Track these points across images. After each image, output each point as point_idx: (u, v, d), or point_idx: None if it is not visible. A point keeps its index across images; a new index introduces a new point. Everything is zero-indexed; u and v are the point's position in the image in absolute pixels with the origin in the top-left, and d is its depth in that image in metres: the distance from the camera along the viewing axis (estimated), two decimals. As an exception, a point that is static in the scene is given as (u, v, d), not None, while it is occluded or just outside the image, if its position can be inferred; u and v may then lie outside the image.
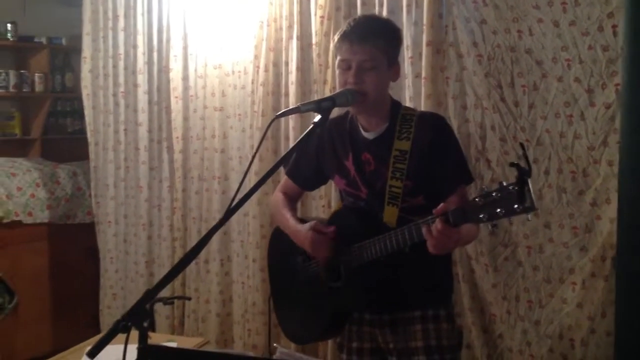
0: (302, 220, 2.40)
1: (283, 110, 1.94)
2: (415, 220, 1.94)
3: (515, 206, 1.55)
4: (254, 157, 2.05)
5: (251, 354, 2.83)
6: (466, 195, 2.14)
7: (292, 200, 2.47)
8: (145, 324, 1.56)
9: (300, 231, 2.24)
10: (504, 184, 1.59)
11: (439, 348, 2.18)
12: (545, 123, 3.01)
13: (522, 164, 1.53)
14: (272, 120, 1.95)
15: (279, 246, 2.46)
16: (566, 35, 2.92)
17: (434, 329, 2.19)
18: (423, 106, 3.16)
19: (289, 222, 2.32)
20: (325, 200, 3.59)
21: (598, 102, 2.88)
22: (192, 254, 1.63)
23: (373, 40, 2.07)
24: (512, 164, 1.53)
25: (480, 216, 1.66)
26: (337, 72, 2.13)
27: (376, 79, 2.07)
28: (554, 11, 2.93)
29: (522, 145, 1.63)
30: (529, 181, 1.53)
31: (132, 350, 1.54)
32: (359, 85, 2.05)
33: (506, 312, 3.17)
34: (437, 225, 1.79)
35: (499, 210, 1.60)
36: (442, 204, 1.79)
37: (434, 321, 2.20)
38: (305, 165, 2.38)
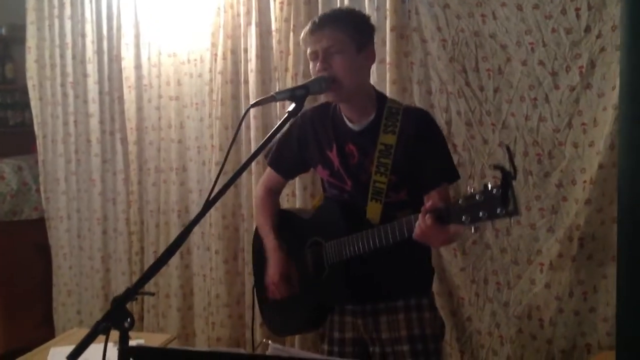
0: (286, 213, 2.44)
1: (258, 99, 1.89)
2: (397, 217, 1.93)
3: (498, 210, 1.53)
4: (230, 147, 2.00)
5: (243, 350, 2.77)
6: (447, 193, 2.13)
7: (275, 193, 2.46)
8: (127, 324, 1.50)
9: (272, 260, 2.28)
10: (489, 186, 1.56)
11: (422, 337, 2.18)
12: (511, 106, 3.04)
13: (507, 166, 1.50)
14: (247, 110, 1.91)
15: (262, 241, 2.42)
16: (529, 18, 2.95)
17: (417, 318, 2.19)
18: (388, 91, 3.15)
19: (267, 235, 2.34)
20: (289, 189, 3.54)
21: (562, 85, 2.92)
22: (172, 249, 1.60)
23: (333, 25, 2.05)
24: (495, 167, 1.51)
25: (463, 218, 1.64)
26: (310, 66, 2.11)
27: (343, 62, 2.03)
28: (517, -5, 2.96)
29: (507, 147, 1.61)
30: (514, 184, 1.50)
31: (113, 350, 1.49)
32: (328, 70, 2.02)
33: (475, 294, 3.20)
34: (428, 220, 1.77)
35: (481, 213, 1.58)
36: (431, 202, 1.78)
37: (417, 310, 2.20)
38: (288, 153, 2.34)
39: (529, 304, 3.09)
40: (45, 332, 4.27)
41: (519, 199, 1.54)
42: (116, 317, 1.48)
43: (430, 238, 1.81)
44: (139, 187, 4.08)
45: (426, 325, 2.20)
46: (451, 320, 3.25)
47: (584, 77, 2.86)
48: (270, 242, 2.31)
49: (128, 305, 4.27)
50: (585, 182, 2.90)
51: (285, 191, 3.56)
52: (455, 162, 3.05)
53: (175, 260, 3.97)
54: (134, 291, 1.55)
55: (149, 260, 4.05)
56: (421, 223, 1.78)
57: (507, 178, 1.50)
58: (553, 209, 3.00)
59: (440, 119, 3.15)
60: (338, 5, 3.33)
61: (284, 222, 2.38)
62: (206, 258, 3.89)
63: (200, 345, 3.93)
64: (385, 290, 2.18)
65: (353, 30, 2.07)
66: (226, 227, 3.77)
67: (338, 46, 2.03)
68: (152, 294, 3.92)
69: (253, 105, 1.90)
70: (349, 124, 2.16)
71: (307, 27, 2.09)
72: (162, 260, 1.59)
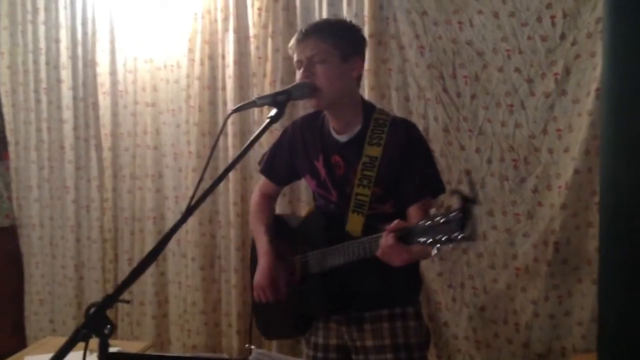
0: (278, 219, 2.43)
1: (239, 105, 1.88)
2: (379, 230, 1.93)
3: (456, 234, 1.52)
4: (211, 153, 1.97)
5: (225, 356, 2.76)
6: (429, 208, 2.13)
7: (270, 198, 2.45)
8: (106, 331, 1.48)
9: (261, 263, 2.26)
10: (451, 209, 1.55)
11: (406, 346, 2.17)
12: (487, 113, 3.07)
13: (467, 190, 1.50)
14: (229, 116, 1.89)
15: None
16: (506, 26, 2.99)
17: (402, 326, 2.18)
18: (367, 98, 3.14)
19: (259, 240, 2.32)
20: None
21: (538, 92, 2.97)
22: (152, 256, 1.59)
23: (318, 34, 2.05)
24: (454, 192, 1.52)
25: (422, 240, 1.63)
26: (296, 74, 2.11)
27: (326, 72, 2.03)
28: (493, 2, 3.01)
29: (467, 172, 1.60)
30: (473, 210, 1.49)
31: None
32: (310, 78, 2.03)
33: (451, 299, 3.22)
34: (389, 240, 1.78)
35: (440, 235, 1.57)
36: (395, 222, 1.78)
37: (402, 319, 2.19)
38: (280, 161, 2.34)
39: (505, 309, 3.12)
40: (16, 342, 4.20)
41: (478, 224, 1.53)
42: (96, 324, 1.46)
43: (391, 257, 1.81)
44: (113, 194, 4.03)
45: (411, 334, 2.18)
46: (428, 325, 3.26)
47: (559, 84, 2.91)
48: (261, 246, 2.29)
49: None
50: (560, 187, 2.94)
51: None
52: (432, 168, 3.11)
53: (150, 267, 3.92)
54: (114, 298, 1.53)
55: (123, 268, 4.00)
56: (382, 242, 1.80)
57: (466, 203, 1.50)
58: (529, 214, 3.04)
59: (418, 126, 3.15)
60: (316, 12, 3.35)
61: (277, 228, 2.38)
62: (182, 265, 3.86)
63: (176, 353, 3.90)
64: (370, 299, 2.17)
65: (338, 41, 2.07)
66: (203, 234, 3.75)
67: (321, 55, 2.03)
68: (127, 302, 3.84)
69: (235, 111, 1.89)
70: (335, 135, 2.15)
71: (295, 36, 2.10)
72: (142, 267, 1.58)
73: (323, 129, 2.20)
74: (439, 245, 1.59)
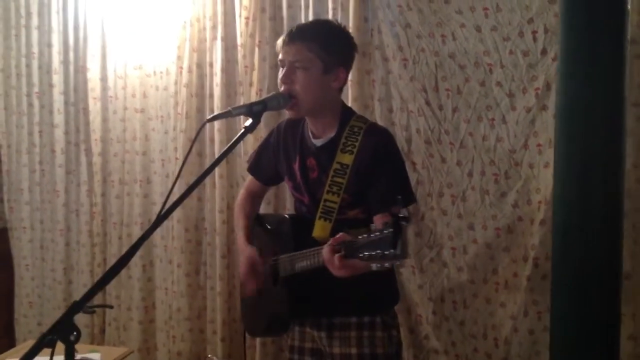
0: (260, 218, 2.46)
1: (214, 114, 1.90)
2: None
3: (388, 251, 1.53)
4: (185, 160, 1.98)
5: None
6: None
7: (256, 197, 2.49)
8: (72, 338, 1.49)
9: (243, 253, 2.29)
10: (387, 225, 1.55)
11: (372, 356, 2.16)
12: (469, 126, 3.07)
13: (400, 209, 1.51)
14: (203, 125, 1.91)
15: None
16: (488, 40, 2.99)
17: (368, 336, 2.17)
18: (349, 109, 3.17)
19: (239, 238, 2.36)
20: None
21: (519, 106, 2.96)
22: (122, 262, 1.58)
23: (305, 40, 2.03)
24: (390, 213, 1.53)
25: (361, 255, 1.63)
26: (278, 73, 2.11)
27: (305, 80, 2.03)
28: (476, 17, 3.00)
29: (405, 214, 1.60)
30: (405, 228, 1.50)
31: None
32: (288, 85, 2.03)
33: (432, 312, 3.21)
34: (326, 254, 1.79)
35: (376, 252, 1.57)
36: (340, 234, 1.78)
37: (370, 329, 2.17)
38: (266, 161, 2.37)
39: (485, 323, 3.11)
40: (6, 344, 4.22)
41: (408, 243, 1.53)
42: (62, 330, 1.47)
43: (332, 269, 1.82)
44: (102, 199, 4.05)
45: (378, 345, 2.17)
46: (409, 337, 3.26)
47: (540, 99, 2.90)
48: (240, 241, 2.35)
49: (89, 318, 4.25)
50: (540, 202, 2.93)
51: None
52: (414, 180, 3.13)
53: (137, 272, 3.96)
54: (81, 304, 1.53)
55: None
56: (326, 256, 1.81)
57: (397, 220, 1.51)
58: (509, 228, 3.03)
59: (400, 137, 3.18)
60: (303, 21, 3.35)
61: (258, 227, 2.43)
62: (168, 271, 3.87)
63: (161, 359, 3.91)
64: (338, 305, 2.17)
65: (324, 51, 2.04)
66: (189, 241, 3.76)
67: (304, 63, 2.02)
68: (111, 307, 3.90)
69: (209, 120, 1.90)
70: (312, 139, 2.16)
71: (284, 34, 2.09)
72: (111, 274, 1.57)
73: (303, 132, 2.21)
74: (376, 261, 1.59)
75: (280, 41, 2.09)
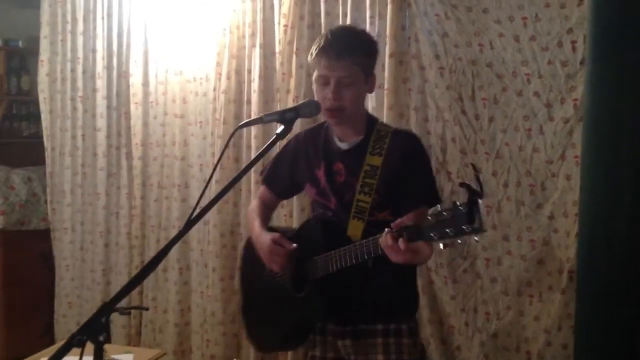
0: (272, 229, 2.42)
1: (246, 121, 1.93)
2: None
3: (464, 227, 1.56)
4: (216, 166, 2.02)
5: None
6: (425, 215, 2.15)
7: (267, 207, 2.48)
8: (101, 338, 1.52)
9: (261, 237, 2.28)
10: (457, 203, 1.58)
11: None
12: (505, 136, 3.04)
13: (474, 184, 1.53)
14: (235, 130, 1.92)
15: (250, 254, 2.45)
16: (526, 50, 2.96)
17: (395, 343, 2.18)
18: (385, 117, 3.17)
19: (255, 227, 2.36)
20: (287, 209, 3.56)
21: (557, 117, 2.92)
22: (151, 266, 1.61)
23: (351, 56, 2.07)
24: (462, 184, 1.54)
25: (432, 234, 1.66)
26: (314, 86, 2.14)
27: (354, 95, 2.10)
28: (514, 26, 2.97)
29: (473, 166, 1.64)
30: (480, 202, 1.52)
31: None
32: (338, 101, 2.07)
33: (464, 324, 3.18)
34: (387, 240, 1.80)
35: (448, 229, 1.60)
36: (398, 220, 1.80)
37: (396, 335, 2.19)
38: (282, 173, 2.39)
39: (518, 336, 3.07)
40: (47, 343, 4.29)
41: (485, 217, 1.55)
42: (91, 331, 1.50)
43: (400, 257, 1.82)
44: (141, 202, 4.12)
45: (404, 351, 2.19)
46: (441, 348, 3.23)
47: (578, 110, 2.86)
48: (255, 229, 2.34)
49: (126, 319, 4.32)
50: (576, 214, 2.88)
51: (282, 211, 3.59)
52: (449, 189, 3.11)
53: (174, 275, 4.01)
54: (110, 305, 1.56)
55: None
56: (388, 241, 1.81)
57: (473, 196, 1.53)
58: (544, 240, 2.98)
59: (435, 146, 3.16)
60: (340, 30, 3.37)
61: None
62: (204, 275, 3.91)
63: (195, 362, 3.96)
64: (365, 313, 2.19)
65: (365, 60, 2.12)
66: (224, 246, 3.80)
67: (352, 78, 2.08)
68: (146, 309, 3.95)
69: (241, 126, 1.93)
70: (338, 143, 2.20)
71: (322, 47, 2.09)
72: (141, 276, 1.60)
73: (327, 138, 2.25)
74: (446, 240, 1.64)
75: (320, 57, 2.09)
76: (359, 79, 2.10)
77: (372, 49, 2.18)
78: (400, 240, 1.78)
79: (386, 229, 1.84)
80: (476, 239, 1.62)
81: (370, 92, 2.23)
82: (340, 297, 2.16)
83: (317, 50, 2.11)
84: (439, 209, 1.65)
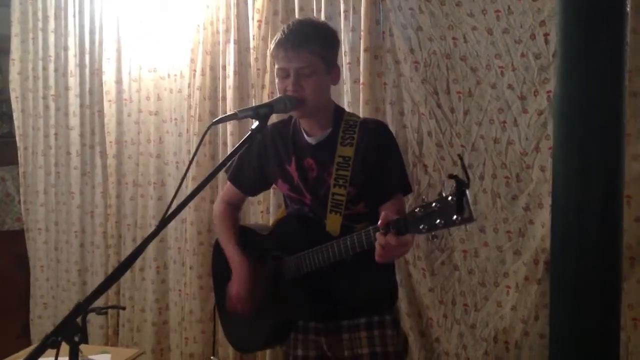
0: (245, 229, 2.41)
1: (220, 117, 1.91)
2: (356, 229, 1.94)
3: (454, 217, 1.56)
4: (190, 163, 2.02)
5: None
6: (403, 203, 2.16)
7: (235, 208, 2.44)
8: (77, 339, 1.50)
9: (235, 269, 2.26)
10: (444, 194, 1.59)
11: (384, 355, 2.17)
12: (480, 129, 3.05)
13: (461, 175, 1.54)
14: (209, 127, 1.91)
15: (222, 256, 2.40)
16: (499, 43, 2.97)
17: (379, 335, 2.18)
18: (361, 111, 3.17)
19: (231, 250, 2.31)
20: (264, 205, 3.56)
21: (530, 109, 2.94)
22: (126, 265, 1.59)
23: (308, 46, 2.05)
24: (450, 176, 1.54)
25: (420, 227, 1.66)
26: (276, 80, 2.11)
27: (315, 85, 2.06)
28: (487, 19, 2.99)
29: (460, 156, 1.64)
30: (468, 192, 1.53)
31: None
32: (299, 92, 2.04)
33: (443, 316, 3.20)
34: (390, 239, 1.76)
35: (438, 221, 1.60)
36: (383, 214, 1.77)
37: (379, 327, 2.19)
38: (248, 170, 2.34)
39: (496, 327, 3.08)
40: (23, 344, 4.25)
41: (474, 206, 1.56)
42: (66, 331, 1.48)
43: (392, 252, 1.80)
44: (117, 201, 4.09)
45: (388, 343, 2.18)
46: (420, 341, 3.25)
47: (551, 102, 2.88)
48: (235, 257, 2.28)
49: (103, 319, 4.28)
50: (551, 205, 2.91)
51: (259, 208, 3.59)
52: (426, 182, 3.13)
53: (151, 274, 3.98)
54: (84, 305, 1.54)
55: (125, 274, 4.03)
56: (381, 240, 1.77)
57: (460, 186, 1.54)
58: (520, 231, 3.01)
59: (412, 140, 3.17)
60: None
61: (244, 237, 2.37)
62: (181, 273, 3.89)
63: (174, 360, 3.94)
64: (347, 307, 2.18)
65: (324, 51, 2.09)
66: (201, 243, 3.78)
67: (311, 68, 2.05)
68: (123, 308, 3.92)
69: (215, 123, 1.92)
70: (307, 138, 2.18)
71: (279, 40, 2.07)
72: (115, 276, 1.58)
73: (295, 133, 2.22)
74: (435, 231, 1.65)
75: (276, 51, 2.08)
76: (319, 69, 2.06)
77: (331, 39, 2.15)
78: (389, 236, 1.75)
79: (379, 225, 1.79)
80: (466, 228, 1.63)
81: (334, 83, 2.19)
82: (320, 294, 2.14)
83: (275, 44, 2.09)
84: (426, 201, 1.66)
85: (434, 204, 1.61)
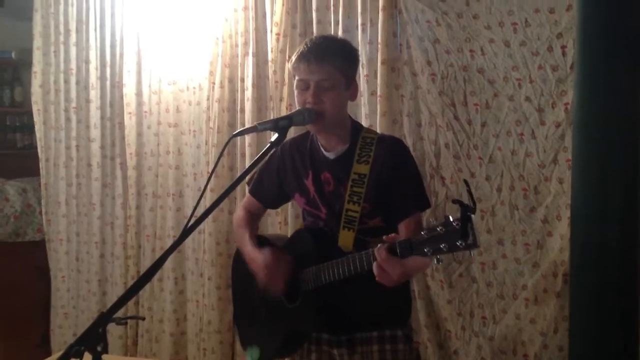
0: (261, 238, 2.41)
1: (240, 130, 1.94)
2: (370, 244, 1.95)
3: (458, 242, 1.56)
4: (210, 175, 2.04)
5: None
6: (420, 221, 2.16)
7: (254, 217, 2.47)
8: (99, 348, 1.52)
9: (255, 260, 2.24)
10: (450, 218, 1.58)
11: None
12: (498, 141, 3.06)
13: (467, 200, 1.54)
14: (230, 139, 1.95)
15: (241, 263, 2.42)
16: (517, 55, 2.98)
17: (391, 349, 2.19)
18: (379, 124, 3.19)
19: (247, 246, 2.32)
20: (282, 216, 3.58)
21: (548, 121, 2.94)
22: (147, 276, 1.62)
23: (330, 59, 2.07)
24: (454, 201, 1.55)
25: (425, 250, 1.66)
26: (295, 92, 2.13)
27: (334, 99, 2.08)
28: (505, 32, 3.00)
29: (465, 182, 1.64)
30: (472, 218, 1.53)
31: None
32: (318, 105, 2.06)
33: (461, 328, 3.19)
34: (382, 253, 1.78)
35: (442, 245, 1.61)
36: (392, 235, 1.79)
37: (391, 341, 2.20)
38: (268, 183, 2.38)
39: (514, 339, 3.08)
40: (43, 354, 4.27)
41: (478, 232, 1.56)
42: (89, 341, 1.50)
43: (386, 271, 1.80)
44: (136, 212, 4.12)
45: (400, 357, 2.19)
46: (438, 353, 3.24)
47: (569, 114, 2.88)
48: (254, 254, 2.27)
49: (122, 329, 4.32)
50: (569, 218, 2.90)
51: (277, 219, 3.60)
52: (443, 194, 3.13)
53: (169, 285, 4.01)
54: (108, 316, 1.57)
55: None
56: (376, 256, 1.80)
57: (465, 212, 1.54)
58: (538, 244, 3.00)
59: (429, 152, 3.18)
60: (332, 37, 3.39)
61: (260, 246, 2.36)
62: (199, 284, 3.91)
63: (192, 371, 3.95)
64: (360, 321, 2.19)
65: (345, 66, 2.12)
66: (220, 254, 3.80)
67: (331, 81, 2.07)
68: (143, 319, 3.95)
69: (235, 135, 1.96)
70: (324, 152, 2.20)
71: (302, 53, 2.10)
72: (138, 286, 1.61)
73: (312, 147, 2.24)
74: (439, 255, 1.64)
75: (298, 63, 2.10)
76: (339, 83, 2.09)
77: (352, 55, 2.19)
78: (381, 250, 1.77)
79: (379, 245, 1.81)
80: (471, 254, 1.63)
81: (352, 100, 2.21)
82: (333, 306, 2.15)
83: (297, 56, 2.12)
84: (433, 223, 1.66)
85: (439, 228, 1.62)
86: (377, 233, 2.06)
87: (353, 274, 1.97)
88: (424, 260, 1.76)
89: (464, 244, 1.56)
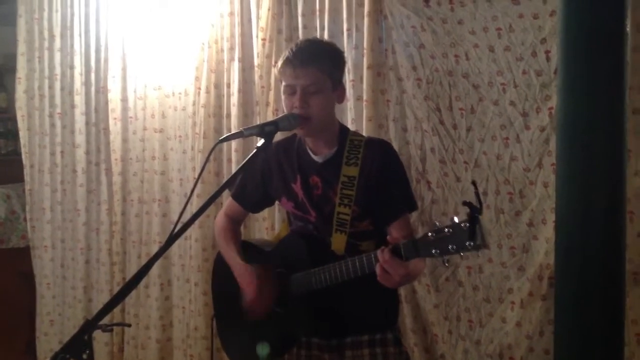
0: (247, 244, 2.41)
1: (226, 135, 1.94)
2: (361, 247, 1.96)
3: (467, 243, 1.59)
4: (197, 181, 2.05)
5: None
6: (409, 222, 2.18)
7: (236, 223, 2.46)
8: (85, 356, 1.52)
9: (243, 276, 2.24)
10: (456, 220, 1.61)
11: None
12: (483, 145, 3.07)
13: (474, 201, 1.56)
14: (215, 145, 1.94)
15: (223, 270, 2.41)
16: (501, 60, 2.99)
17: (382, 352, 2.20)
18: (365, 128, 3.20)
19: (234, 259, 2.31)
20: (268, 222, 3.57)
21: (533, 125, 2.96)
22: (133, 283, 1.62)
23: (316, 63, 2.07)
24: (464, 203, 1.57)
25: (433, 251, 1.69)
26: (282, 97, 2.14)
27: (321, 102, 2.08)
28: (489, 37, 3.01)
29: (474, 183, 1.66)
30: (480, 219, 1.55)
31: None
32: (305, 109, 2.06)
33: (448, 332, 3.20)
34: (385, 255, 1.80)
35: (450, 246, 1.63)
36: (395, 237, 1.83)
37: (382, 345, 2.20)
38: (252, 188, 2.36)
39: (501, 343, 3.08)
40: (28, 361, 4.29)
41: (487, 233, 1.59)
42: (74, 349, 1.50)
43: (390, 274, 1.82)
44: (122, 218, 4.11)
45: None
46: (424, 357, 3.24)
47: (553, 118, 2.89)
48: (238, 265, 2.27)
49: (108, 336, 4.29)
50: (555, 221, 2.92)
51: (264, 224, 3.60)
52: (429, 198, 3.14)
53: (155, 291, 3.99)
54: (93, 323, 1.57)
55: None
56: (379, 257, 1.82)
57: (474, 213, 1.56)
58: (524, 247, 3.01)
59: (415, 156, 3.19)
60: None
61: (247, 253, 2.37)
62: (186, 290, 3.90)
63: (179, 377, 3.94)
64: (350, 324, 2.20)
65: (331, 69, 2.12)
66: (206, 260, 3.79)
67: (318, 85, 2.07)
68: (129, 325, 3.91)
69: (221, 141, 1.96)
70: (312, 156, 2.20)
71: (287, 58, 2.09)
72: (124, 292, 1.62)
73: (300, 151, 2.24)
74: (447, 256, 1.68)
75: (284, 68, 2.10)
76: (325, 87, 2.09)
77: (337, 57, 2.18)
78: (385, 252, 1.79)
79: (382, 248, 1.84)
80: (479, 254, 1.66)
81: (340, 102, 2.22)
82: (323, 310, 2.15)
83: (282, 62, 2.12)
84: (438, 226, 1.68)
85: (446, 229, 1.64)
86: (367, 237, 2.08)
87: (353, 276, 1.98)
88: (420, 264, 1.79)
89: (472, 244, 1.58)
